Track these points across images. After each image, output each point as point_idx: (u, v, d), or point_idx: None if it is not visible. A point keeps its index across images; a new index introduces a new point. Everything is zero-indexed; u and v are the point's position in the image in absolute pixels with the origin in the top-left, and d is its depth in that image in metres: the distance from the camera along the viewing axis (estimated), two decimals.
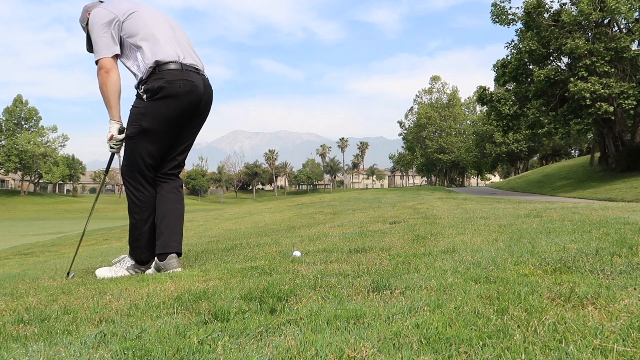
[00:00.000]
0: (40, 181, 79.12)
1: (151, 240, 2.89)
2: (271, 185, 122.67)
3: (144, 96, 2.77)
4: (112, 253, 5.79)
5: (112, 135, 2.80)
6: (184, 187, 3.13)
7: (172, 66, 2.76)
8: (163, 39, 2.82)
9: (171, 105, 2.76)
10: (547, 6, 21.05)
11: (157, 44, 2.79)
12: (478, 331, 1.24)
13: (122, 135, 2.83)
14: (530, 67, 22.03)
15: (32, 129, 72.43)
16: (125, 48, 2.83)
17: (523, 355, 1.08)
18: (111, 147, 2.84)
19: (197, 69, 2.87)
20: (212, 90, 3.00)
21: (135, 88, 2.85)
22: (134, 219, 2.90)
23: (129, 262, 2.95)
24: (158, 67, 2.76)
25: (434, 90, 70.69)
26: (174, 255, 2.83)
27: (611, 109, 18.62)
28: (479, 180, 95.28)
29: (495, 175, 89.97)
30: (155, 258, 2.87)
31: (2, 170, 74.80)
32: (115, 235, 10.83)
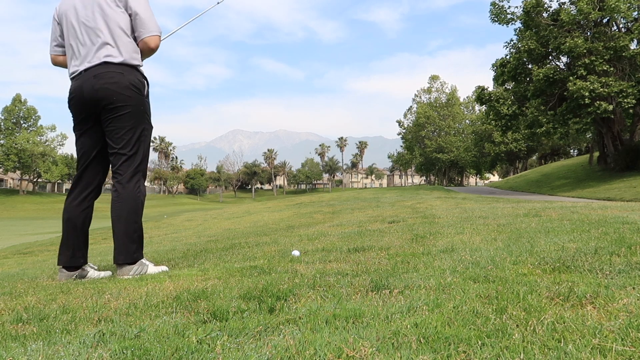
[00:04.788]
0: (39, 180, 78.97)
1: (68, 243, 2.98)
2: (270, 184, 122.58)
3: None
4: (111, 253, 5.77)
5: None
6: (143, 186, 3.12)
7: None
8: (71, 51, 2.94)
9: (73, 115, 2.98)
10: (546, 5, 21.07)
11: (68, 57, 2.98)
12: (477, 330, 1.24)
13: None
14: (529, 66, 22.03)
15: (31, 128, 72.33)
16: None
17: (522, 354, 1.08)
18: None
19: (82, 71, 2.85)
20: (101, 82, 2.76)
21: None
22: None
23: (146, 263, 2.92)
24: None
25: (433, 89, 70.71)
26: (122, 265, 2.81)
27: (610, 107, 18.61)
28: (477, 179, 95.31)
29: (494, 175, 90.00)
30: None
31: (1, 170, 74.70)
32: None
